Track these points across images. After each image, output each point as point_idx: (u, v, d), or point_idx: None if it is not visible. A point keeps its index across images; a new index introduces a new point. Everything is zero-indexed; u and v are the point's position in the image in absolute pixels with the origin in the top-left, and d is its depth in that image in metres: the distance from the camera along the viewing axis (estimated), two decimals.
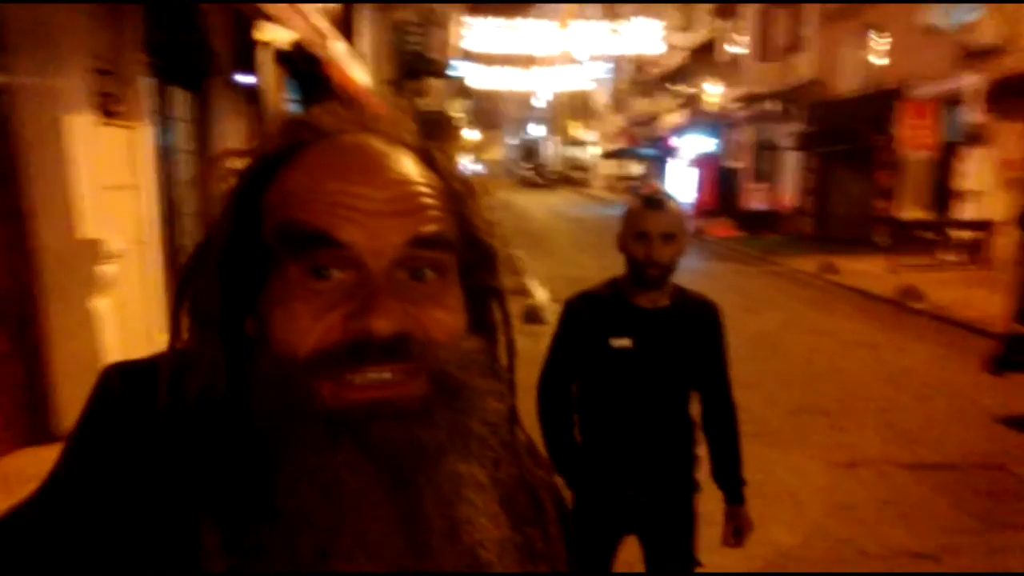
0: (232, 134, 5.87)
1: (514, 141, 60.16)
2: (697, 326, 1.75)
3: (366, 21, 13.17)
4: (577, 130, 46.19)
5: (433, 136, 0.54)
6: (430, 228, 0.47)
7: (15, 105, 3.36)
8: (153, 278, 4.39)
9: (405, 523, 0.43)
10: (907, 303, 8.46)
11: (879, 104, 12.82)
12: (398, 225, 0.46)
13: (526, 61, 29.21)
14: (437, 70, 19.29)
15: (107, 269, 3.61)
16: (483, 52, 25.52)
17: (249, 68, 5.89)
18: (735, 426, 1.82)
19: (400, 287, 0.45)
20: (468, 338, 0.49)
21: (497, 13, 25.61)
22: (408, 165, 0.49)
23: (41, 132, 3.42)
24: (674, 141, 24.65)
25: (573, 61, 28.41)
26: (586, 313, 1.74)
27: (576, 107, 44.58)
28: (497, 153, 60.01)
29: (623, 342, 1.66)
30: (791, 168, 17.36)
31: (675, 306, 1.71)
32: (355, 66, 10.09)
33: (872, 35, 14.40)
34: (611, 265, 1.84)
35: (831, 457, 4.07)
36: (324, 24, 7.75)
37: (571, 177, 44.58)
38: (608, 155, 34.47)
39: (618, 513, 1.77)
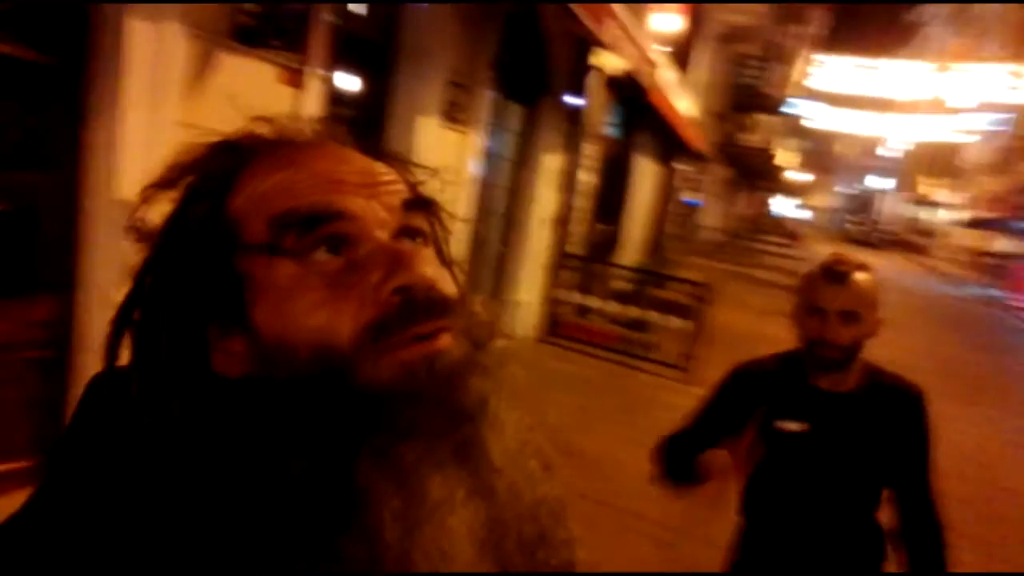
0: (552, 150, 6.38)
1: (846, 190, 54.00)
2: (891, 414, 1.43)
3: (706, 51, 13.10)
4: (931, 188, 39.36)
5: (750, 175, 0.49)
6: (416, 192, 0.50)
7: (390, 107, 4.17)
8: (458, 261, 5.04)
9: (475, 487, 0.44)
10: None
11: None
12: (390, 191, 0.48)
13: (881, 104, 25.93)
14: (770, 106, 18.28)
15: None
16: (829, 91, 23.39)
17: (578, 91, 6.33)
18: (940, 538, 1.42)
19: None
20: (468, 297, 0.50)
21: (858, 51, 23.29)
22: (365, 156, 0.51)
23: (402, 129, 4.17)
24: None
25: (944, 109, 24.26)
26: (754, 385, 1.49)
27: (936, 162, 37.95)
28: (824, 200, 54.62)
29: (795, 425, 1.41)
30: None
31: (865, 389, 1.44)
32: (681, 96, 10.11)
33: None
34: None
35: None
36: (657, 53, 7.93)
37: (910, 241, 38.42)
38: (973, 223, 28.62)
39: None
